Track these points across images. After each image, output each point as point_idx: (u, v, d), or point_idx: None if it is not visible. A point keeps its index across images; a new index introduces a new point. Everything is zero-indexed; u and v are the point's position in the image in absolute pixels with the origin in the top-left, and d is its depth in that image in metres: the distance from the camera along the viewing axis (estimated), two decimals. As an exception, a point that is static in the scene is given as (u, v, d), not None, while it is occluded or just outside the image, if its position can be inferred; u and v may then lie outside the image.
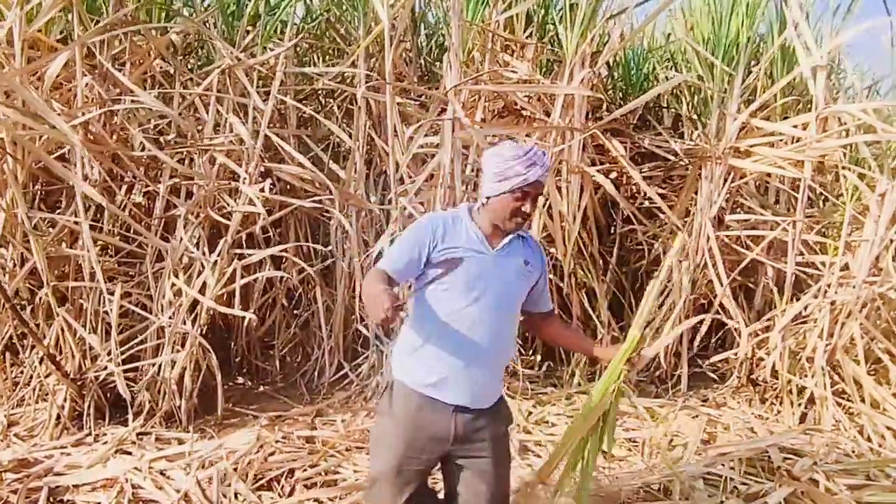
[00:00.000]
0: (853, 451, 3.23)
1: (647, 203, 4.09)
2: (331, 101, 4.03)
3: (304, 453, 3.06)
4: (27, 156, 3.32)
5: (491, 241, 1.80)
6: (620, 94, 4.34)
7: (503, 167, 1.73)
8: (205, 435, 3.27)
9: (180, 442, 3.17)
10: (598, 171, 3.75)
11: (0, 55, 3.17)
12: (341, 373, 3.76)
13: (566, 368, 3.88)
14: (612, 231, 4.22)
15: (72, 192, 3.41)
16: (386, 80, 3.46)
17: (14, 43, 3.19)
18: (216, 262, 3.37)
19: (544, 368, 3.84)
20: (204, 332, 3.38)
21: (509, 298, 1.81)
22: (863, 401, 3.52)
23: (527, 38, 3.89)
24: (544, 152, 1.79)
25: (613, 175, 3.95)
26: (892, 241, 3.61)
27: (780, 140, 3.95)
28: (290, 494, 2.78)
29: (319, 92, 4.03)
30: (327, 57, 4.06)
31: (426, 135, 3.54)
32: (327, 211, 3.75)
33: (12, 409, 3.35)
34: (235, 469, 2.87)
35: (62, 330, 3.27)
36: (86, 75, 3.41)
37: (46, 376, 3.33)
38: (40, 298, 3.32)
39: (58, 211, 3.45)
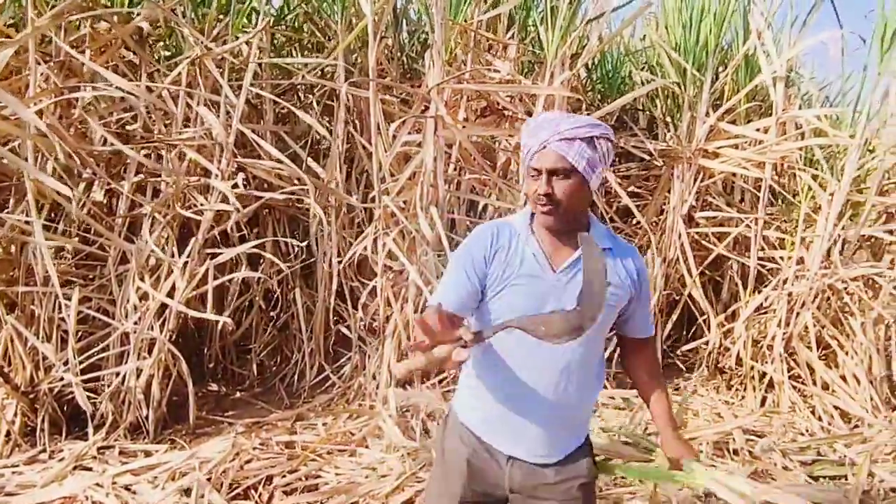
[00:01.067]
0: (807, 430, 3.11)
1: (620, 202, 3.67)
2: (310, 96, 3.43)
3: (283, 459, 2.53)
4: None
5: (554, 258, 1.22)
6: (598, 95, 3.90)
7: (523, 138, 1.23)
8: (175, 446, 2.65)
9: (147, 454, 2.56)
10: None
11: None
12: (322, 375, 3.17)
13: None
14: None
15: (21, 190, 2.72)
16: (369, 76, 2.90)
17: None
18: (186, 263, 2.75)
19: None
20: (174, 337, 2.75)
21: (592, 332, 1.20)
22: (815, 384, 3.36)
23: (509, 38, 3.40)
24: (568, 117, 1.18)
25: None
26: (839, 236, 3.44)
27: (745, 142, 3.63)
28: (269, 502, 2.30)
29: (298, 87, 3.42)
30: (306, 51, 3.46)
31: (409, 132, 3.00)
32: (306, 209, 3.17)
33: (-46, 428, 2.65)
34: (209, 479, 2.34)
35: (11, 339, 2.58)
36: (39, 64, 2.72)
37: (-6, 390, 2.64)
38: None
39: (6, 210, 2.75)
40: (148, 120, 2.82)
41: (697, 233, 3.60)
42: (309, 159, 3.14)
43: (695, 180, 3.48)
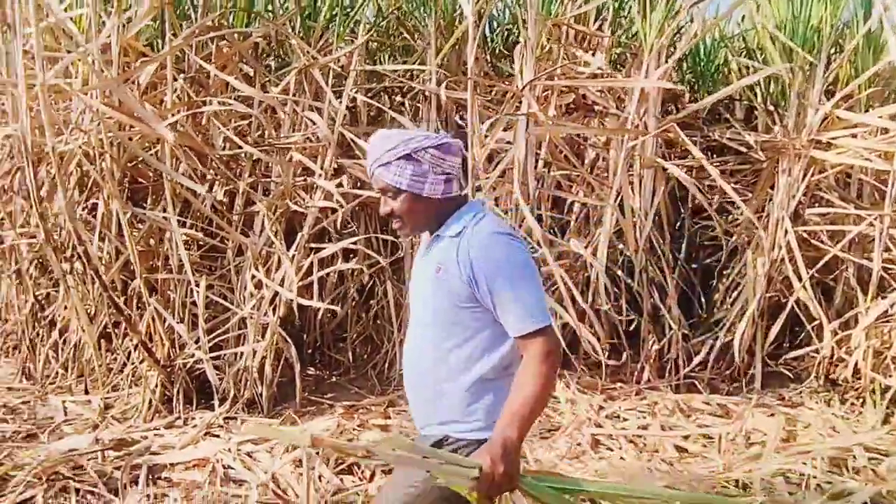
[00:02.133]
0: (939, 452, 2.67)
1: (717, 198, 3.50)
2: (398, 97, 3.60)
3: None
4: (122, 155, 3.06)
5: (429, 244, 1.34)
6: (688, 86, 3.72)
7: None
8: (285, 421, 2.93)
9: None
10: (673, 164, 3.18)
11: (99, 63, 2.90)
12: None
13: (636, 364, 3.35)
14: (679, 227, 3.63)
15: (159, 190, 3.11)
16: (460, 77, 3.01)
17: (112, 49, 2.91)
18: (294, 255, 3.02)
19: (611, 363, 3.32)
20: (281, 323, 3.04)
21: (425, 309, 1.31)
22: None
23: (597, 30, 3.35)
24: (383, 140, 1.26)
25: (683, 170, 3.37)
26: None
27: (865, 132, 3.29)
28: (371, 479, 2.46)
29: (388, 90, 3.61)
30: (396, 55, 3.63)
31: (502, 130, 3.07)
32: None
33: (108, 393, 3.11)
34: (317, 454, 2.55)
35: (153, 319, 2.98)
36: (176, 79, 3.11)
37: (140, 362, 3.05)
38: (133, 289, 3.05)
39: (147, 208, 3.17)
40: (266, 123, 3.11)
41: (806, 231, 3.33)
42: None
43: (804, 174, 3.22)
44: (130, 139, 2.99)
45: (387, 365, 3.40)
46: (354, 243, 3.02)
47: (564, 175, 3.24)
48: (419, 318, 1.34)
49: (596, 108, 3.28)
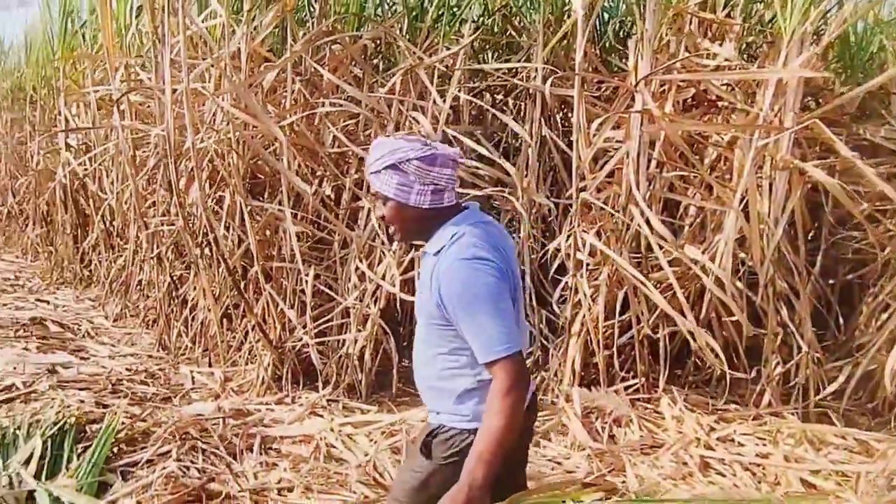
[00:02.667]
0: None
1: (866, 206, 3.03)
2: (500, 96, 3.53)
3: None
4: (246, 153, 3.32)
5: (424, 254, 1.37)
6: (833, 76, 3.26)
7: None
8: (383, 408, 3.02)
9: (362, 412, 2.97)
10: (813, 165, 2.81)
11: (230, 66, 3.17)
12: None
13: (755, 386, 3.03)
14: (814, 237, 3.21)
15: (276, 185, 3.34)
16: (567, 74, 2.88)
17: (241, 55, 3.17)
18: (395, 250, 3.10)
19: (725, 382, 3.03)
20: (381, 314, 3.13)
21: (420, 314, 1.36)
22: None
23: (725, 17, 3.03)
24: (376, 148, 1.29)
25: (825, 172, 2.96)
26: None
27: None
28: None
29: (491, 88, 3.56)
30: (500, 52, 3.57)
31: (611, 128, 2.90)
32: (494, 206, 3.30)
33: (227, 367, 3.40)
34: (413, 442, 2.64)
35: (267, 303, 3.21)
36: (294, 82, 3.31)
37: (256, 342, 3.31)
38: (251, 275, 3.30)
39: (265, 201, 3.41)
40: (376, 124, 3.20)
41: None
42: (501, 158, 3.25)
43: None
44: (253, 138, 3.23)
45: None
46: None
47: (679, 176, 2.98)
48: (419, 323, 1.38)
49: (720, 103, 2.98)
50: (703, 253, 2.87)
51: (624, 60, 2.95)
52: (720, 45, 2.98)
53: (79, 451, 2.34)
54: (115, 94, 3.57)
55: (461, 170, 3.12)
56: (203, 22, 3.27)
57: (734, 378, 2.92)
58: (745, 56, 3.16)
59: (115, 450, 2.44)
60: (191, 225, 3.30)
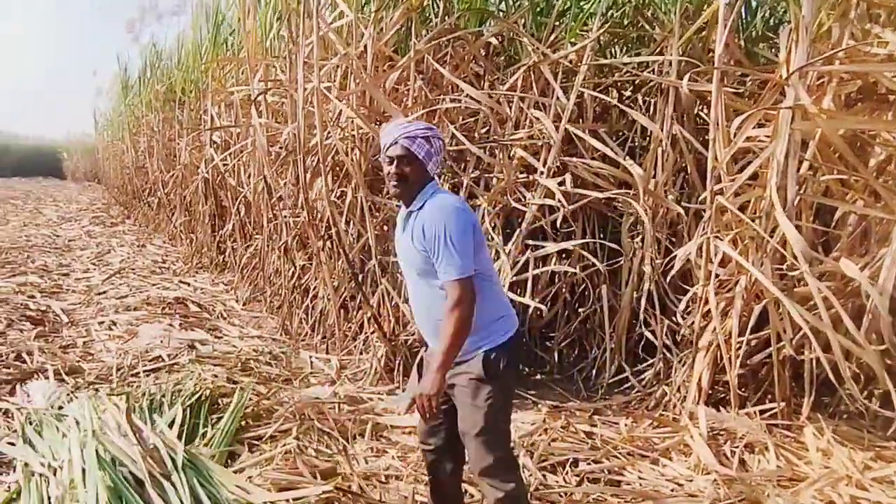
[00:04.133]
0: None
1: None
2: (628, 92, 3.29)
3: (586, 447, 2.55)
4: (367, 150, 3.39)
5: (405, 219, 1.67)
6: None
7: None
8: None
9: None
10: None
11: (357, 65, 3.23)
12: (621, 376, 3.08)
13: (923, 422, 2.56)
14: None
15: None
16: (713, 66, 2.59)
17: (368, 54, 3.22)
18: (510, 250, 3.00)
19: (885, 416, 2.59)
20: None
21: (411, 269, 1.67)
22: None
23: (904, 0, 2.57)
24: (401, 126, 1.63)
25: None
26: None
27: None
28: (580, 484, 2.33)
29: (618, 84, 3.32)
30: (630, 46, 3.32)
31: (753, 126, 2.57)
32: (617, 208, 3.08)
33: (343, 355, 3.51)
34: (522, 445, 2.53)
35: (383, 297, 3.26)
36: (416, 80, 3.32)
37: (371, 333, 3.38)
38: (369, 269, 3.37)
39: (384, 196, 3.45)
40: (494, 122, 3.12)
41: None
42: (626, 158, 3.02)
43: None
44: (374, 138, 3.27)
45: (594, 371, 3.19)
46: (579, 246, 2.84)
47: (837, 180, 2.59)
48: (410, 277, 1.69)
49: (891, 97, 2.54)
50: (864, 267, 2.46)
51: (773, 51, 2.61)
52: (893, 31, 2.53)
53: (213, 421, 2.50)
54: (253, 93, 3.80)
55: (583, 169, 2.94)
56: (332, 23, 3.36)
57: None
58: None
59: (243, 423, 2.58)
60: (314, 218, 3.43)
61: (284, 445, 2.42)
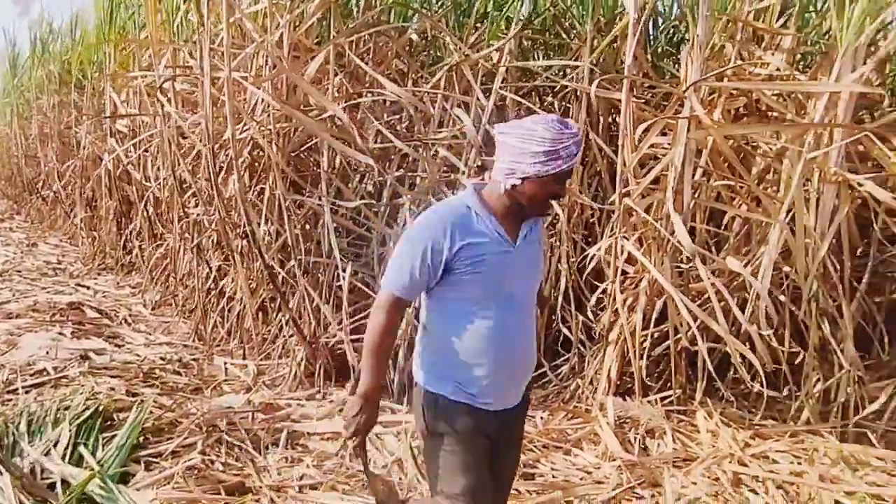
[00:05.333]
0: None
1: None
2: (548, 97, 3.35)
3: (502, 443, 2.60)
4: (286, 145, 3.19)
5: (509, 232, 1.36)
6: (891, 91, 3.05)
7: (557, 145, 1.27)
8: (412, 409, 2.92)
9: (392, 412, 2.87)
10: (863, 179, 2.61)
11: (273, 57, 3.03)
12: (539, 371, 3.15)
13: (792, 402, 2.86)
14: (862, 254, 3.02)
15: (316, 179, 3.21)
16: (616, 76, 2.70)
17: (283, 45, 3.03)
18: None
19: (763, 397, 2.86)
20: (416, 314, 3.00)
21: (533, 293, 1.47)
22: None
23: (780, 27, 2.83)
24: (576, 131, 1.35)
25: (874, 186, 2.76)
26: None
27: None
28: None
29: (539, 89, 3.38)
30: (549, 53, 3.39)
31: (657, 134, 2.72)
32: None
33: (261, 360, 3.30)
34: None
35: (302, 298, 3.10)
36: (337, 74, 3.17)
37: (289, 337, 3.20)
38: (288, 269, 3.19)
39: (305, 195, 3.28)
40: (418, 120, 3.06)
41: None
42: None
43: None
44: (296, 131, 3.09)
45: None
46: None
47: (726, 186, 2.80)
48: (525, 304, 1.42)
49: (771, 114, 2.79)
50: (746, 265, 2.69)
51: (676, 66, 2.76)
52: (773, 54, 2.78)
53: (105, 440, 2.26)
54: (158, 79, 3.45)
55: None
56: (246, 9, 3.12)
57: (774, 394, 2.74)
58: (798, 66, 2.95)
59: (142, 439, 2.38)
60: (230, 216, 3.18)
61: (188, 461, 2.24)
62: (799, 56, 3.03)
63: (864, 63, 2.62)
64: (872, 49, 2.69)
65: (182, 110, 3.54)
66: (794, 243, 2.70)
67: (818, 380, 2.76)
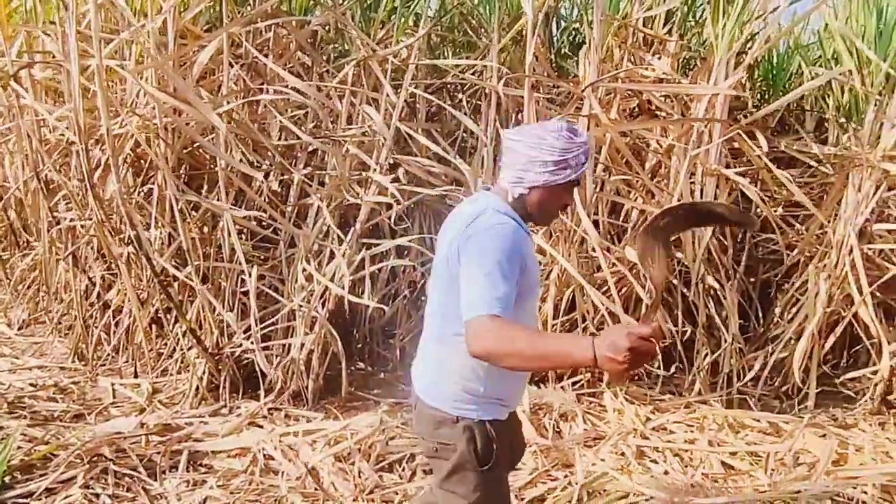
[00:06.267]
0: None
1: (780, 210, 3.19)
2: (459, 94, 3.33)
3: (423, 441, 2.55)
4: (177, 141, 2.86)
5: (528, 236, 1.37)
6: (759, 94, 3.40)
7: (566, 154, 1.23)
8: (329, 415, 2.76)
9: (307, 420, 2.72)
10: (737, 172, 2.89)
11: (154, 44, 2.69)
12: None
13: (686, 376, 3.10)
14: (739, 239, 3.34)
15: (215, 178, 2.92)
16: (521, 75, 2.74)
17: (168, 32, 2.71)
18: (345, 250, 2.81)
19: (661, 374, 3.08)
20: (330, 317, 2.84)
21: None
22: None
23: (666, 34, 3.05)
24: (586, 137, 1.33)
25: (747, 180, 3.07)
26: None
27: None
28: (411, 479, 2.32)
29: (449, 86, 3.35)
30: (458, 51, 3.37)
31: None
32: (452, 205, 3.11)
33: (156, 377, 2.95)
34: (359, 449, 2.42)
35: (202, 307, 2.81)
36: (232, 66, 2.89)
37: (188, 349, 2.89)
38: (184, 276, 2.87)
39: (203, 195, 2.97)
40: (322, 116, 2.89)
41: (871, 249, 3.02)
42: (456, 157, 3.06)
43: (877, 188, 2.91)
44: (187, 124, 2.78)
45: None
46: (408, 242, 2.78)
47: (624, 181, 2.96)
48: (533, 307, 1.40)
49: (659, 114, 2.99)
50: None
51: (579, 66, 2.86)
52: (659, 59, 2.99)
53: None
54: (9, 66, 2.94)
55: (416, 167, 2.89)
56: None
57: (672, 369, 2.95)
58: (683, 71, 3.20)
59: (8, 479, 2.06)
60: (109, 220, 2.79)
61: (66, 498, 1.95)
62: (683, 60, 3.28)
63: (735, 69, 2.89)
64: (743, 57, 2.98)
65: (45, 102, 3.06)
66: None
67: (707, 354, 3.02)
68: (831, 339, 3.02)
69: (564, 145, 1.23)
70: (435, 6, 3.03)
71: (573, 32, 3.45)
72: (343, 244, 2.80)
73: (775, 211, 3.12)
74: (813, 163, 3.12)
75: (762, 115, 3.07)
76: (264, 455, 2.38)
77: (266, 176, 3.01)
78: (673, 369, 3.07)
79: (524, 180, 1.25)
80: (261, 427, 2.63)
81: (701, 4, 3.07)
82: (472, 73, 3.20)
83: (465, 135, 3.33)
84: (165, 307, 2.90)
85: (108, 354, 3.10)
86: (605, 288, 2.86)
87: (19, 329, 3.63)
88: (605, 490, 2.26)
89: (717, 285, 2.97)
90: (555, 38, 3.40)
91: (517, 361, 1.06)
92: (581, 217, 2.77)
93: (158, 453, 2.30)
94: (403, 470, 2.35)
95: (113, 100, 2.75)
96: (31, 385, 2.88)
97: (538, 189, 1.25)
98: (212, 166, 2.94)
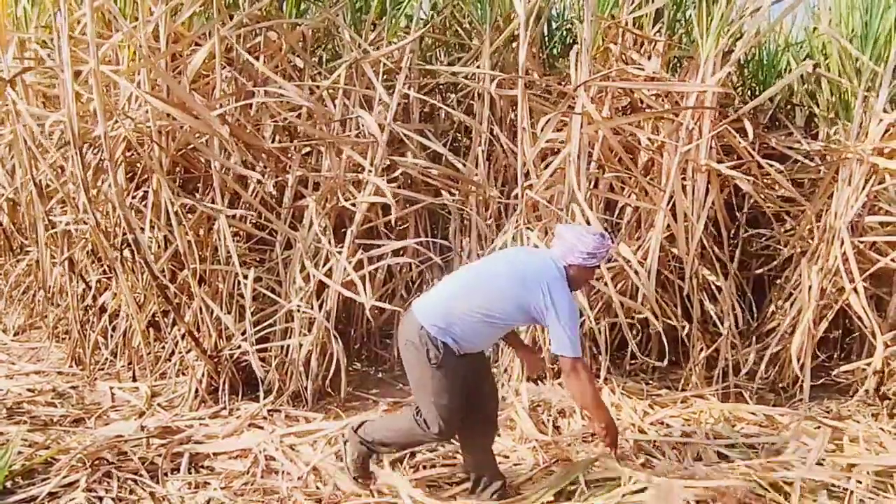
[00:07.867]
0: None
1: (771, 206, 3.21)
2: (451, 95, 3.34)
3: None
4: (171, 144, 2.85)
5: None
6: (750, 92, 3.42)
7: (598, 249, 1.91)
8: (329, 415, 2.77)
9: (307, 420, 2.73)
10: (727, 167, 2.91)
11: (146, 48, 2.68)
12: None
13: (682, 371, 3.11)
14: (732, 234, 3.36)
15: (209, 181, 2.92)
16: (514, 76, 2.75)
17: (160, 37, 2.70)
18: (342, 251, 2.81)
19: (658, 370, 3.08)
20: (328, 318, 2.84)
21: None
22: None
23: (655, 34, 3.06)
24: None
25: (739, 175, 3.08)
26: None
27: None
28: (413, 474, 2.33)
29: (441, 87, 3.35)
30: (451, 52, 3.37)
31: (552, 130, 2.81)
32: (447, 205, 3.12)
33: (155, 381, 2.94)
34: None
35: (200, 309, 2.80)
36: (224, 68, 2.89)
37: (187, 352, 2.88)
38: (181, 279, 2.86)
39: (198, 198, 2.96)
40: (318, 118, 2.89)
41: (862, 242, 3.04)
42: (450, 156, 3.06)
43: (866, 182, 2.92)
44: (181, 128, 2.78)
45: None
46: (405, 244, 2.79)
47: (617, 178, 2.98)
48: None
49: (649, 111, 3.00)
50: (638, 249, 2.88)
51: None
52: (649, 58, 3.00)
53: None
54: (6, 72, 2.93)
55: (411, 168, 2.90)
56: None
57: (668, 364, 2.96)
58: (673, 69, 3.22)
59: (9, 484, 2.06)
60: (106, 224, 2.78)
61: (70, 502, 1.96)
62: (673, 60, 3.29)
63: (722, 66, 2.91)
64: (729, 56, 3.00)
65: (42, 107, 3.04)
66: (676, 227, 2.94)
67: (702, 349, 3.03)
68: (823, 325, 3.01)
69: (597, 245, 1.90)
70: (427, 7, 3.03)
71: (566, 32, 3.46)
72: (340, 245, 2.80)
73: (768, 206, 3.14)
74: (803, 158, 3.14)
75: (750, 107, 3.08)
76: (265, 456, 2.39)
77: (261, 178, 3.00)
78: (666, 362, 3.07)
79: (567, 258, 1.91)
80: (261, 428, 2.64)
81: (692, 4, 3.09)
82: (467, 76, 3.21)
83: (458, 135, 3.34)
84: (163, 310, 2.89)
85: (106, 359, 3.09)
86: (603, 283, 2.86)
87: (15, 335, 3.62)
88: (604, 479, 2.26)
89: (712, 278, 2.98)
90: (546, 38, 3.41)
91: (586, 404, 2.05)
92: (576, 213, 2.78)
93: (160, 456, 2.31)
94: (405, 467, 2.36)
95: (108, 103, 2.73)
96: (30, 390, 2.87)
97: (575, 266, 1.91)
98: (207, 169, 2.93)
